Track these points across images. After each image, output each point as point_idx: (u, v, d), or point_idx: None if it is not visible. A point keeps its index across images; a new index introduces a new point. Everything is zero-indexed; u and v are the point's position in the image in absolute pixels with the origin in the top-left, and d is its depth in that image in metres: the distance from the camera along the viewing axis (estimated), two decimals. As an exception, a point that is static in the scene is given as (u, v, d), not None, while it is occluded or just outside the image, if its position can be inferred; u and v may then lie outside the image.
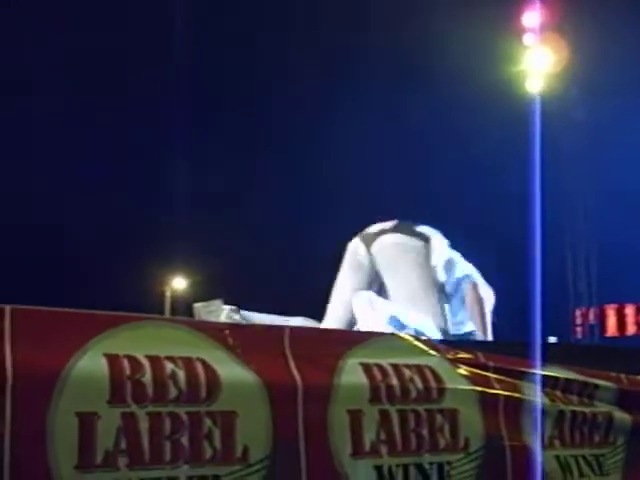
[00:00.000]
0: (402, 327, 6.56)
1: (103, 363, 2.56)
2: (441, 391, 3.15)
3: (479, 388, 3.26)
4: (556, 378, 3.51)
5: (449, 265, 6.99)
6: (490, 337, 6.67)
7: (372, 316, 7.02)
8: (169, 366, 2.65)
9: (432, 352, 3.31)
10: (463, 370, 3.30)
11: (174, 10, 17.36)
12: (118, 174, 19.14)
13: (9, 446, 2.34)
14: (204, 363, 2.72)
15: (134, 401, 2.56)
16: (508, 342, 5.13)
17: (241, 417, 2.71)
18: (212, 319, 3.86)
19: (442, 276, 6.91)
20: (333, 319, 7.52)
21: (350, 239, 7.65)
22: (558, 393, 3.49)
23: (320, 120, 16.87)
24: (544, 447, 3.28)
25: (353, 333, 3.28)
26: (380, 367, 3.07)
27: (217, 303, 4.04)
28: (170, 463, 2.57)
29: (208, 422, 2.66)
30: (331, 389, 2.92)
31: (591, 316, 16.16)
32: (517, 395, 3.34)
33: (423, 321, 6.86)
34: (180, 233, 19.17)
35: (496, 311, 7.02)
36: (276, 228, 17.13)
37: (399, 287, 6.95)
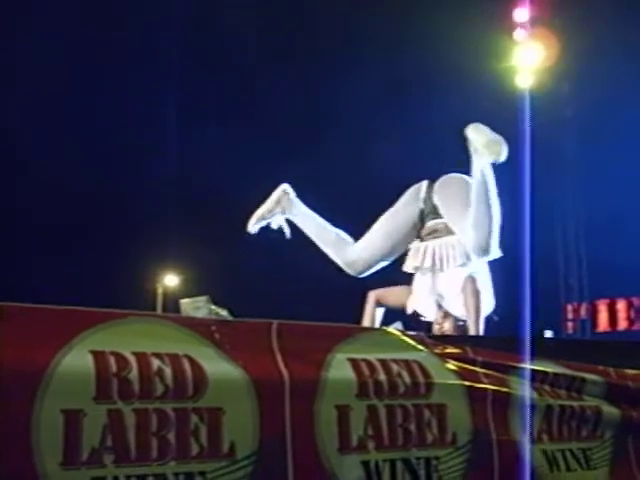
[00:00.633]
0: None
1: (89, 359, 2.55)
2: (429, 386, 3.15)
3: (467, 383, 3.26)
4: (545, 372, 3.52)
5: None
6: (482, 332, 6.67)
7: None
8: (155, 362, 2.64)
9: (420, 347, 3.30)
10: (451, 365, 3.29)
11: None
12: (108, 168, 19.08)
13: (-6, 443, 2.34)
14: (191, 359, 2.72)
15: (120, 398, 2.55)
16: (499, 337, 5.14)
17: (228, 413, 2.71)
18: (199, 315, 3.86)
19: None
20: (370, 246, 7.47)
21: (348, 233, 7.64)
22: (546, 387, 3.49)
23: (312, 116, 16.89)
24: (532, 441, 3.29)
25: (341, 328, 3.27)
26: (368, 362, 3.07)
27: (204, 299, 4.03)
28: (156, 460, 2.56)
29: (195, 418, 2.65)
30: (319, 384, 2.91)
31: (582, 311, 16.17)
32: (505, 390, 3.34)
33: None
34: (172, 230, 19.15)
35: (497, 311, 7.03)
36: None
37: (459, 220, 6.95)
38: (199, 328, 2.86)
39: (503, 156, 6.84)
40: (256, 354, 2.87)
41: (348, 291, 7.88)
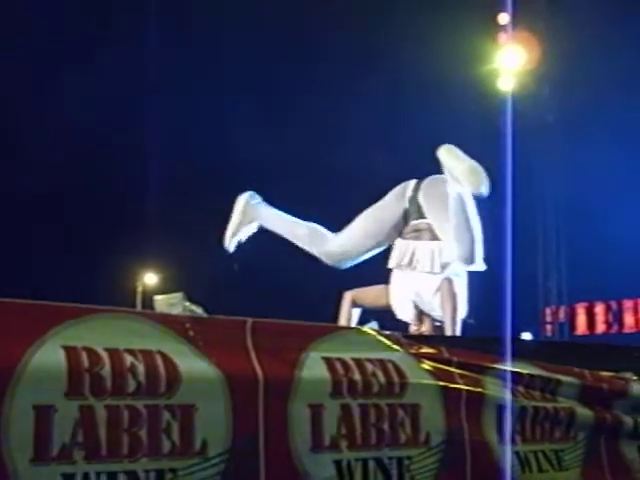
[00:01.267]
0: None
1: (61, 355, 2.52)
2: (403, 386, 3.14)
3: (442, 383, 3.25)
4: (519, 374, 3.52)
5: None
6: (458, 333, 6.69)
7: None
8: (128, 359, 2.62)
9: (395, 347, 3.30)
10: (426, 365, 3.29)
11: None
12: (86, 167, 18.97)
13: (-37, 439, 2.32)
14: (164, 356, 2.70)
15: (92, 394, 2.53)
16: (475, 338, 5.15)
17: (200, 411, 2.69)
18: (173, 312, 3.84)
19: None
20: (351, 237, 7.45)
21: (332, 230, 7.62)
22: (521, 388, 3.49)
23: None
24: (505, 442, 3.29)
25: (316, 327, 3.26)
26: (342, 361, 3.06)
27: (178, 296, 4.02)
28: (128, 457, 2.54)
29: (167, 416, 2.63)
30: (292, 383, 2.90)
31: (561, 314, 16.22)
32: (480, 390, 3.33)
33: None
34: (152, 229, 19.08)
35: (475, 314, 7.04)
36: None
37: (443, 222, 6.93)
38: (173, 325, 2.84)
39: (484, 188, 6.82)
40: (230, 352, 2.85)
41: (325, 290, 7.88)
